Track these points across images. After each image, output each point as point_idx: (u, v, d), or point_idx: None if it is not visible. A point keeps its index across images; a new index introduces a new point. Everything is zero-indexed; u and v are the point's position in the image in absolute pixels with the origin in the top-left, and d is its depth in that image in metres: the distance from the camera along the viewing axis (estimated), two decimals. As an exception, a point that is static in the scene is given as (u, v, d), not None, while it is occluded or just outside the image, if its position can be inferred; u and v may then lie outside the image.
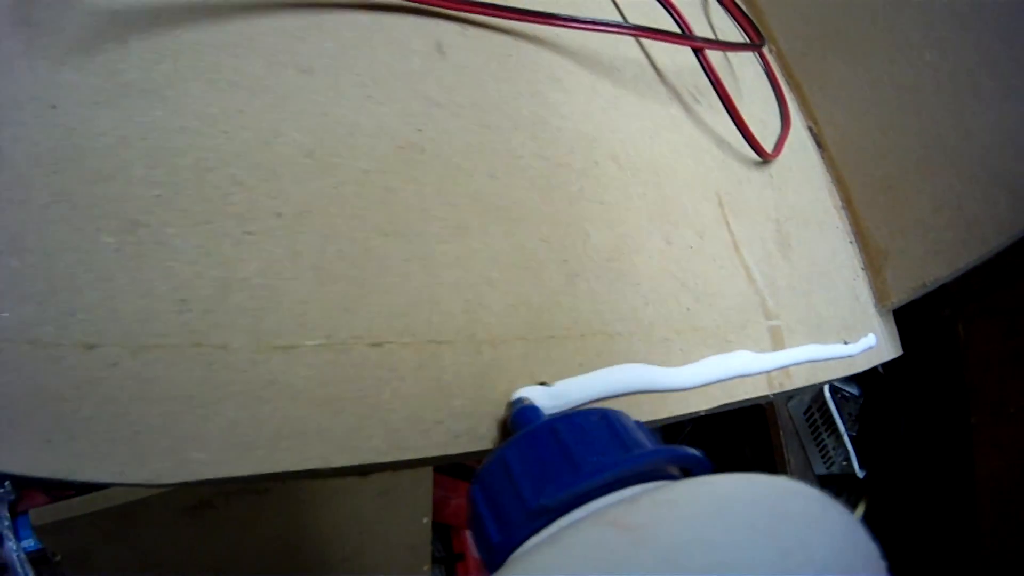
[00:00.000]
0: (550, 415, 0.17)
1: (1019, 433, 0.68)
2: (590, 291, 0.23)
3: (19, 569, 0.71)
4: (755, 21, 0.40)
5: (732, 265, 0.30)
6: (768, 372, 0.29)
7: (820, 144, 0.44)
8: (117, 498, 0.51)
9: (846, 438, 0.77)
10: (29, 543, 0.71)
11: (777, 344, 0.31)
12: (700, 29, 0.37)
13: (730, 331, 0.28)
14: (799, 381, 0.32)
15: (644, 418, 0.23)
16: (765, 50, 0.42)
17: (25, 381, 0.13)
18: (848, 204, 0.45)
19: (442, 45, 0.23)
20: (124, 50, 0.16)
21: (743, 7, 0.41)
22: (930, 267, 0.43)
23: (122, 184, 0.15)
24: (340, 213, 0.18)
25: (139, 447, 0.14)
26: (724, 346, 0.27)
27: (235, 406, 0.15)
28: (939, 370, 0.73)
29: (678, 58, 0.34)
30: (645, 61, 0.32)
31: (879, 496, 0.80)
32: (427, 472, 0.69)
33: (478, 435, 0.18)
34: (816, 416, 0.81)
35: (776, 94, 0.41)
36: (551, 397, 0.19)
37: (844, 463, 0.79)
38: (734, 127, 0.34)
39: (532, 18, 0.25)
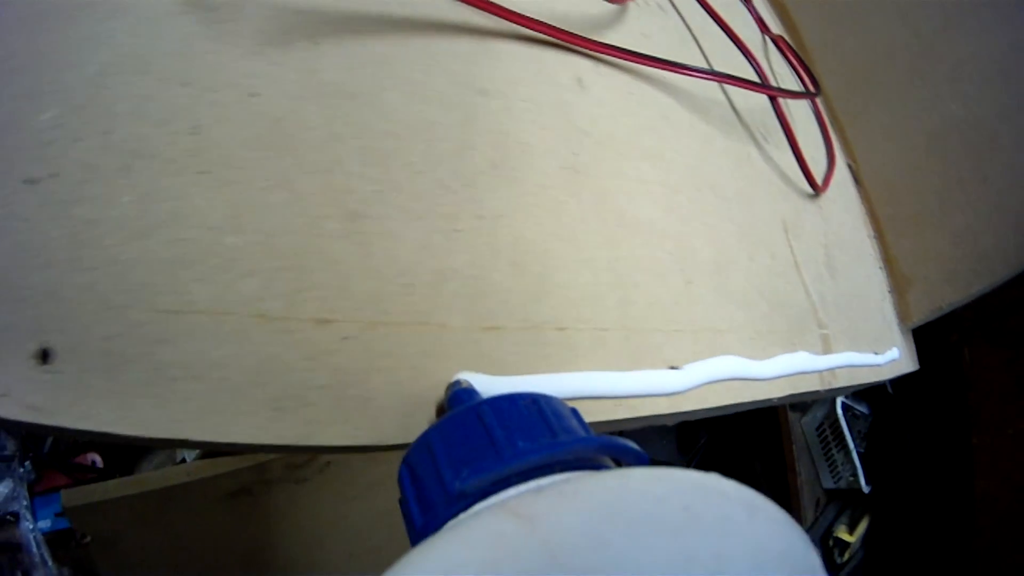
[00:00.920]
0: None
1: (1017, 454, 0.76)
2: (701, 295, 0.30)
3: (35, 550, 0.74)
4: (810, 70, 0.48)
5: (794, 281, 0.38)
6: (820, 372, 0.37)
7: (857, 180, 0.52)
8: (155, 482, 0.54)
9: (855, 454, 0.85)
10: (46, 524, 0.74)
11: (826, 349, 0.38)
12: (758, 61, 0.45)
13: (794, 336, 0.35)
14: (842, 382, 0.39)
15: (734, 401, 0.30)
16: (813, 94, 0.50)
17: (253, 352, 0.17)
18: (879, 235, 0.53)
19: (582, 80, 0.30)
20: (317, 50, 0.22)
21: (806, 58, 0.49)
22: (946, 292, 0.51)
23: (340, 177, 0.20)
24: (525, 219, 0.25)
25: (371, 412, 0.18)
26: (790, 347, 0.35)
27: (452, 376, 0.20)
28: (944, 392, 0.81)
29: (750, 100, 0.42)
30: (726, 102, 0.40)
31: (883, 510, 0.88)
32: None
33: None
34: (828, 432, 0.88)
35: (823, 135, 0.49)
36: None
37: (851, 478, 0.87)
38: (794, 163, 0.42)
39: (649, 62, 0.32)
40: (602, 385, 0.23)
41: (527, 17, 0.27)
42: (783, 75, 0.49)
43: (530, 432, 0.15)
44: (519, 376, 0.22)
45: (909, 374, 0.52)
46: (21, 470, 0.75)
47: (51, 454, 0.82)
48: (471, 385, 0.20)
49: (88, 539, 0.54)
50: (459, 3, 0.25)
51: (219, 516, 0.56)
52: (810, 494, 0.90)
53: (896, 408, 0.88)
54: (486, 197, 0.24)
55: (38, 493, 0.75)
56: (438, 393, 0.20)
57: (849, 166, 0.52)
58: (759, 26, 0.50)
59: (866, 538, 0.89)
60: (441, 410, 0.20)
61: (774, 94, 0.39)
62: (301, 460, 0.57)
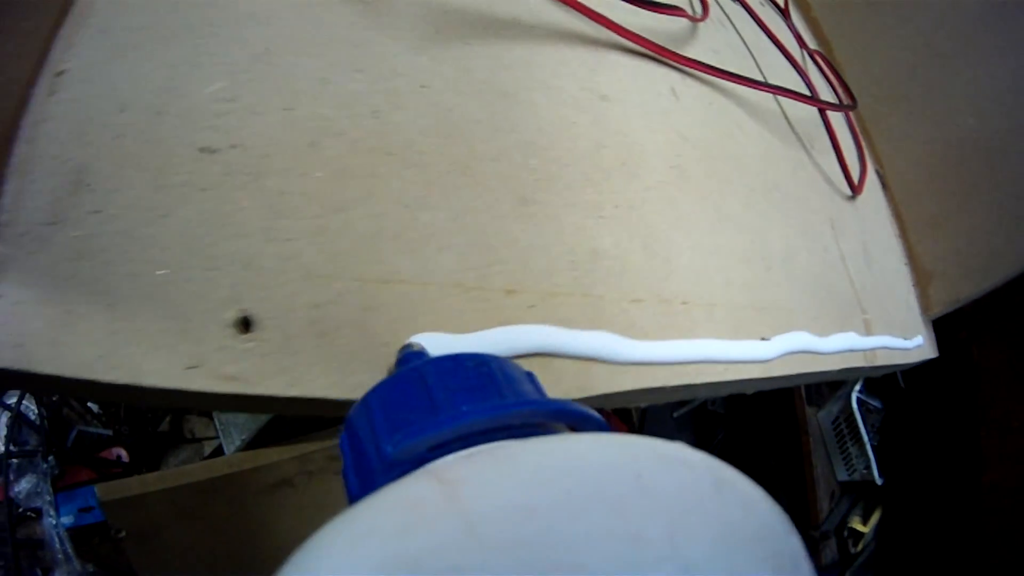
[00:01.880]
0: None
1: (1022, 446, 0.84)
2: (776, 280, 0.37)
3: (58, 546, 0.77)
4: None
5: (842, 272, 0.45)
6: (865, 351, 0.44)
7: (884, 184, 0.60)
8: (198, 474, 0.56)
9: (869, 447, 0.93)
10: (69, 519, 0.77)
11: (868, 331, 0.46)
12: (789, 79, 0.52)
13: (844, 318, 0.43)
14: (881, 361, 0.46)
15: (804, 370, 0.37)
16: (845, 104, 0.58)
17: (455, 318, 0.22)
18: (904, 234, 0.60)
19: (675, 91, 0.37)
20: (469, 50, 0.28)
21: (839, 71, 0.56)
22: (963, 286, 0.58)
23: (507, 166, 0.26)
24: (651, 210, 0.31)
25: (553, 369, 0.25)
26: (841, 328, 0.42)
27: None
28: (954, 387, 0.89)
29: (799, 110, 0.49)
30: (780, 112, 0.47)
31: (896, 502, 0.96)
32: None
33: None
34: (843, 426, 0.96)
35: (855, 142, 0.56)
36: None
37: (865, 471, 0.95)
38: (835, 167, 0.49)
39: (728, 76, 0.40)
40: (716, 351, 0.30)
41: (633, 32, 0.34)
42: (820, 87, 0.56)
43: (476, 394, 0.14)
44: (656, 342, 0.28)
45: (920, 371, 0.59)
46: (44, 465, 0.78)
47: (75, 448, 0.84)
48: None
49: (123, 534, 0.56)
50: (577, 14, 0.31)
51: (259, 508, 0.58)
52: (825, 486, 0.98)
53: (908, 403, 0.96)
54: (620, 189, 0.30)
55: (61, 488, 0.76)
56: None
57: (877, 171, 0.60)
58: (798, 41, 0.57)
59: (879, 528, 0.97)
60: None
61: (823, 106, 0.46)
62: (342, 450, 0.62)
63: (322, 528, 0.10)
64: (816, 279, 0.41)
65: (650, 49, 0.36)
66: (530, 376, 0.17)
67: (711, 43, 0.44)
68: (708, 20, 0.45)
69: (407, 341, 0.21)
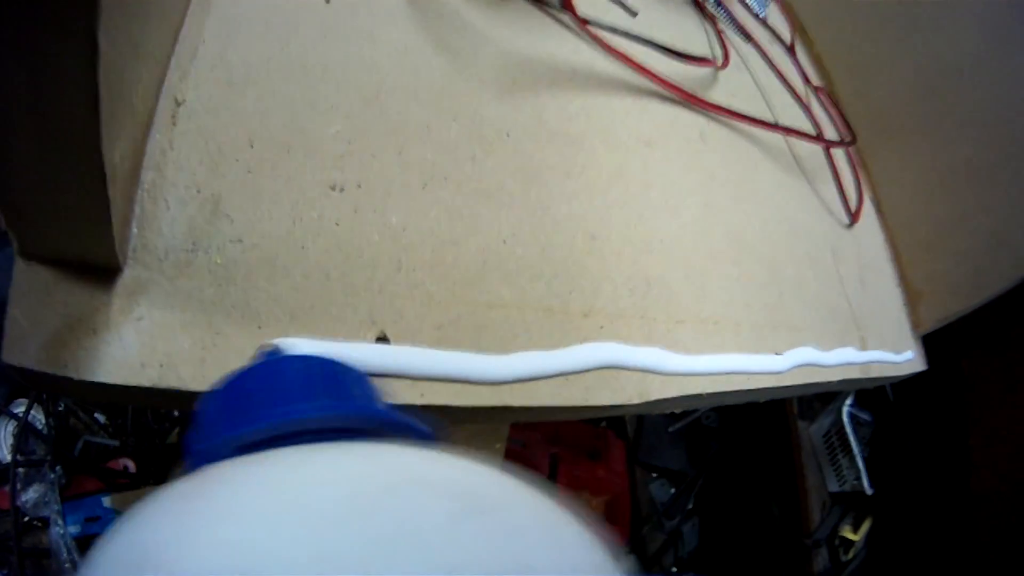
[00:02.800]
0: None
1: (1011, 453, 0.93)
2: (787, 303, 0.44)
3: (65, 555, 0.80)
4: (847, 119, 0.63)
5: (840, 294, 0.53)
6: (862, 364, 0.51)
7: (879, 211, 0.68)
8: None
9: (859, 458, 1.01)
10: (76, 528, 0.81)
11: (864, 347, 0.53)
12: (796, 118, 0.60)
13: (843, 335, 0.50)
14: (875, 373, 0.54)
15: (809, 381, 0.44)
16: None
17: (546, 336, 0.29)
18: (896, 257, 0.68)
19: (703, 134, 0.45)
20: (539, 100, 0.35)
21: (840, 107, 0.64)
22: (951, 305, 0.67)
23: (578, 206, 0.33)
24: (689, 244, 0.39)
25: (619, 380, 0.32)
26: (842, 344, 0.49)
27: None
28: (943, 398, 0.98)
29: (803, 146, 0.57)
30: (787, 149, 0.55)
31: (886, 510, 1.04)
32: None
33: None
34: (834, 439, 1.04)
35: (853, 173, 0.64)
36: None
37: (855, 481, 1.03)
38: (835, 197, 0.57)
39: (748, 120, 0.47)
40: (741, 364, 0.37)
41: (668, 81, 0.41)
42: (823, 122, 0.64)
43: (303, 395, 0.15)
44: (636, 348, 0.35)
45: (911, 384, 0.67)
46: (52, 475, 0.81)
47: (82, 458, 0.87)
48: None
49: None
50: (622, 65, 0.39)
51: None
52: (817, 497, 1.06)
53: (898, 416, 1.05)
54: (664, 226, 0.37)
55: (68, 498, 0.80)
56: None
57: (872, 200, 0.68)
58: (802, 77, 0.65)
59: (870, 537, 1.05)
60: None
61: (827, 144, 0.54)
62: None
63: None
64: (820, 300, 0.48)
65: (683, 97, 0.43)
66: (361, 380, 0.17)
67: (730, 86, 0.52)
68: (730, 65, 0.52)
69: (274, 343, 0.22)
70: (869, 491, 1.02)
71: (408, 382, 0.25)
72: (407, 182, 0.28)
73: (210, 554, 0.09)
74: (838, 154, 0.62)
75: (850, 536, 1.04)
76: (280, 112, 0.26)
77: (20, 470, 0.79)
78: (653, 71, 0.40)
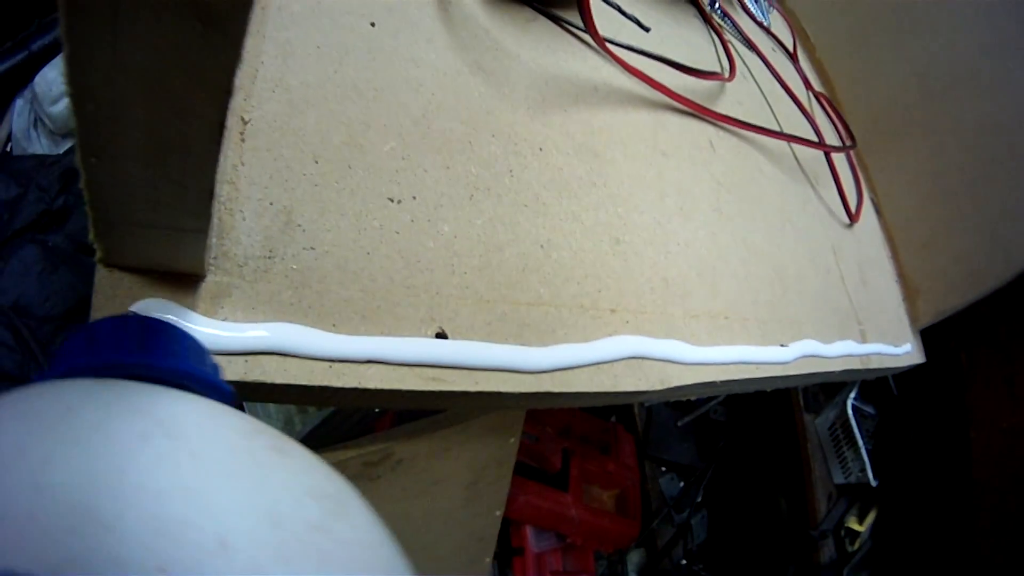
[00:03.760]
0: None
1: (1010, 445, 0.98)
2: (790, 299, 0.49)
3: None
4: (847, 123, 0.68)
5: (841, 290, 0.57)
6: (862, 356, 0.56)
7: (879, 211, 0.73)
8: None
9: (864, 451, 1.06)
10: None
11: (864, 340, 0.58)
12: (799, 124, 0.65)
13: (843, 328, 0.55)
14: (875, 365, 0.59)
15: (812, 371, 0.49)
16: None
17: (580, 330, 0.34)
18: (895, 255, 0.73)
19: (713, 143, 0.49)
20: (567, 116, 0.39)
21: (841, 112, 0.69)
22: (948, 300, 0.72)
23: (604, 214, 0.38)
24: (701, 246, 0.43)
25: (643, 367, 0.37)
26: (842, 336, 0.54)
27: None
28: (944, 392, 1.03)
29: (806, 151, 0.61)
30: (791, 154, 0.59)
31: (890, 502, 1.09)
32: (509, 468, 0.81)
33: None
34: (839, 432, 1.09)
35: (853, 175, 0.69)
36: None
37: (860, 473, 1.08)
38: (836, 199, 0.61)
39: (754, 128, 0.52)
40: (750, 354, 0.42)
41: (681, 95, 0.46)
42: (825, 127, 0.69)
43: (121, 344, 0.18)
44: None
45: (913, 378, 0.72)
46: None
47: None
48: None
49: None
50: (639, 81, 0.43)
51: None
52: (823, 489, 1.11)
53: (901, 408, 1.10)
54: (679, 231, 0.42)
55: None
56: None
57: (872, 200, 0.73)
58: (804, 84, 0.70)
59: (875, 527, 1.10)
60: None
61: (828, 150, 0.59)
62: (377, 458, 0.71)
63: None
64: (821, 296, 0.53)
65: (694, 109, 0.48)
66: (187, 343, 0.20)
67: (737, 96, 0.56)
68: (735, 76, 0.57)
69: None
70: (874, 483, 1.07)
71: (465, 372, 0.29)
72: (455, 194, 0.32)
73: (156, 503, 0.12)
74: (839, 157, 0.67)
75: (855, 527, 1.09)
76: (339, 131, 0.30)
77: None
78: (667, 86, 0.45)
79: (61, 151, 0.69)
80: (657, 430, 1.17)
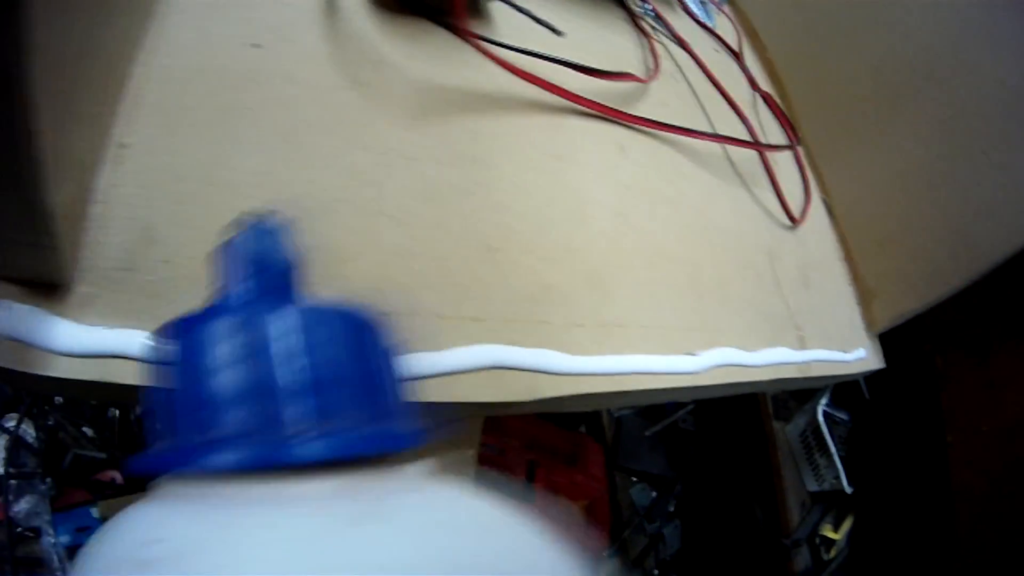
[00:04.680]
0: None
1: (988, 448, 0.96)
2: (707, 305, 0.47)
3: (56, 564, 0.85)
4: (792, 120, 0.66)
5: (775, 294, 0.55)
6: (798, 363, 0.54)
7: (831, 212, 0.71)
8: None
9: (836, 458, 1.04)
10: (67, 538, 0.85)
11: (802, 346, 0.56)
12: (749, 120, 0.63)
13: (775, 335, 0.53)
14: (815, 372, 0.57)
15: (733, 381, 0.47)
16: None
17: (432, 338, 0.33)
18: (849, 257, 0.71)
19: (623, 146, 0.48)
20: (447, 125, 0.37)
21: (784, 110, 0.67)
22: (906, 303, 0.69)
23: (477, 222, 0.36)
24: (595, 251, 0.41)
25: (506, 379, 0.35)
26: (772, 344, 0.52)
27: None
28: (919, 396, 1.00)
29: (741, 152, 0.60)
30: (723, 154, 0.58)
31: (866, 508, 1.07)
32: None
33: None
34: (810, 438, 1.07)
35: (801, 175, 0.67)
36: None
37: (834, 480, 1.05)
38: (775, 201, 0.60)
39: (670, 129, 0.50)
40: (645, 364, 0.40)
41: (584, 98, 0.45)
42: (769, 125, 0.67)
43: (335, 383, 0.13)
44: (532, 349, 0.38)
45: (887, 382, 0.70)
46: (43, 486, 0.86)
47: (71, 471, 0.93)
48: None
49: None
50: (534, 86, 0.42)
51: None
52: (796, 497, 1.09)
53: (874, 413, 1.08)
54: (570, 236, 0.41)
55: (59, 509, 0.86)
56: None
57: (823, 200, 0.71)
58: (749, 83, 0.68)
59: (851, 535, 1.08)
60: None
61: (761, 149, 0.57)
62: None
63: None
64: (747, 303, 0.51)
65: (600, 111, 0.46)
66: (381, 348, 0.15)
67: (661, 96, 0.55)
68: (660, 77, 0.55)
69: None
70: (848, 490, 1.05)
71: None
72: (315, 207, 0.32)
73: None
74: (781, 157, 0.65)
75: (831, 535, 1.06)
76: (206, 149, 0.31)
77: (12, 482, 0.84)
78: (568, 89, 0.43)
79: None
80: (627, 441, 1.15)
